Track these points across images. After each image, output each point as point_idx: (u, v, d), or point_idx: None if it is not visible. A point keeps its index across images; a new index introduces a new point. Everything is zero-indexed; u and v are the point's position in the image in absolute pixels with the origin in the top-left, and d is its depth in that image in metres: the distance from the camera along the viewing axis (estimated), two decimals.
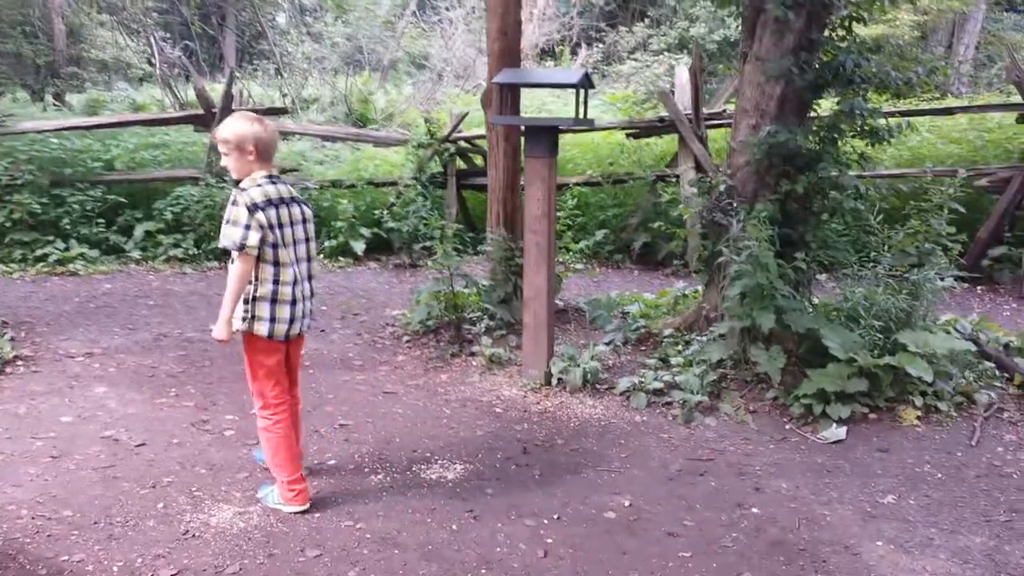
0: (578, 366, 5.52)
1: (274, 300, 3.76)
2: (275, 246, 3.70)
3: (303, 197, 10.02)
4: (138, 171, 10.23)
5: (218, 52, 24.27)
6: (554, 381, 5.55)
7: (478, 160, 10.52)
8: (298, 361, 4.14)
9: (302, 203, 3.91)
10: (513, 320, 6.51)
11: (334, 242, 9.74)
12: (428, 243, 6.97)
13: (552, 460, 4.55)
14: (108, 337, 6.72)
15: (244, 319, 3.74)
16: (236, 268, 3.65)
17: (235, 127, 3.71)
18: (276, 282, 3.75)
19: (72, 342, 6.54)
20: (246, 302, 3.73)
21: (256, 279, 3.72)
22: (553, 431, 4.94)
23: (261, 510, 3.95)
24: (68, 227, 9.36)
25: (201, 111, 10.02)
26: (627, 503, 4.08)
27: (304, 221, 3.89)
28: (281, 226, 3.71)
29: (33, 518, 3.84)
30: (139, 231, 9.60)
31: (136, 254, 9.40)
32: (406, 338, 6.66)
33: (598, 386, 5.52)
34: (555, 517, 3.93)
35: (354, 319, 7.36)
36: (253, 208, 3.60)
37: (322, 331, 6.99)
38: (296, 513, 3.94)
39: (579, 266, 8.77)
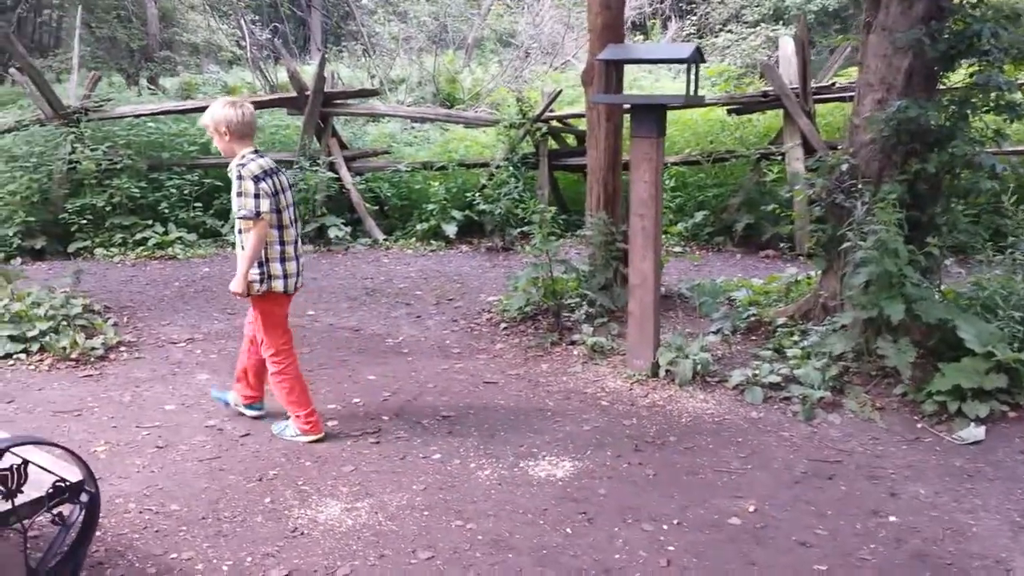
0: (687, 357, 5.26)
1: (283, 259, 4.28)
2: (279, 211, 4.21)
3: (393, 178, 10.02)
4: None
5: (306, 34, 24.53)
6: (661, 373, 5.30)
7: (570, 140, 10.27)
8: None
9: (283, 172, 4.39)
10: (614, 307, 6.28)
11: (426, 225, 9.64)
12: (525, 228, 6.77)
13: (666, 459, 4.32)
14: (208, 322, 6.75)
15: (262, 281, 4.23)
16: (254, 234, 4.08)
17: (211, 112, 4.18)
18: (282, 243, 4.27)
19: (173, 327, 6.59)
20: (260, 266, 4.20)
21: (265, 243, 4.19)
22: (664, 427, 4.70)
23: (369, 507, 3.84)
24: (166, 211, 9.50)
25: (294, 94, 10.01)
26: (751, 508, 3.83)
27: (290, 187, 4.39)
28: (278, 192, 4.20)
29: (140, 512, 3.81)
30: None
31: (232, 238, 9.45)
32: (503, 325, 6.50)
33: (708, 379, 5.25)
34: (675, 522, 3.71)
35: (449, 305, 7.23)
36: (257, 179, 4.07)
37: (418, 317, 6.88)
38: (313, 442, 4.47)
39: (678, 249, 8.49)
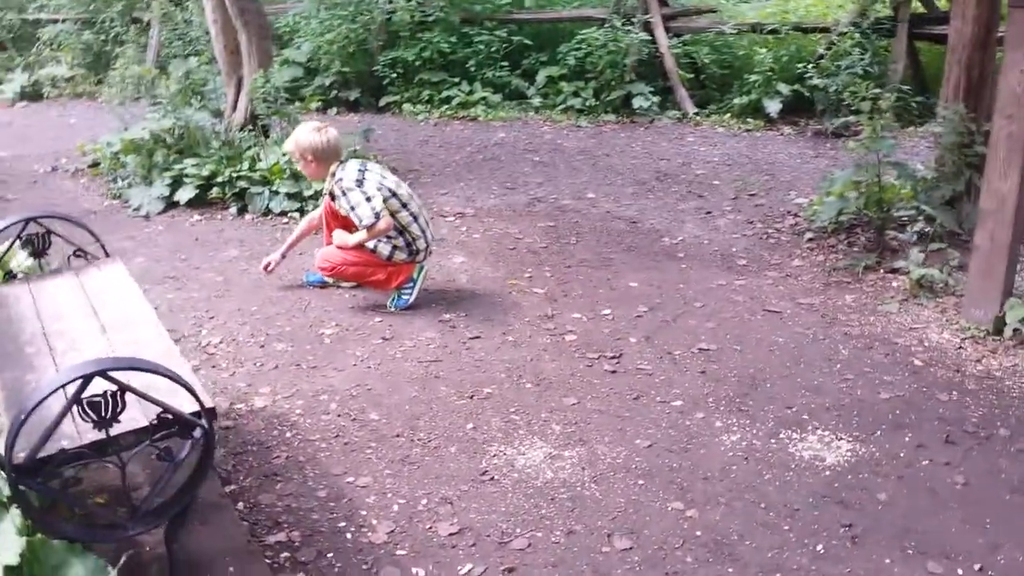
0: None
1: (423, 231, 4.51)
2: (393, 194, 4.32)
3: (715, 41, 8.84)
4: (546, 10, 9.68)
5: None
6: (1007, 331, 3.97)
7: (942, 3, 8.28)
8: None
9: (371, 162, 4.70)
10: (958, 229, 4.87)
11: (745, 99, 8.37)
12: (850, 117, 5.43)
13: (987, 462, 3.16)
14: (485, 196, 6.35)
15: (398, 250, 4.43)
16: (383, 225, 4.21)
17: (296, 139, 4.30)
18: (415, 218, 4.44)
19: (449, 198, 6.28)
20: (407, 244, 4.43)
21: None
22: (995, 412, 3.47)
23: (577, 458, 3.20)
24: (473, 69, 9.17)
25: None
26: None
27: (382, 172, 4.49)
28: (381, 185, 4.29)
29: (339, 415, 3.50)
30: (541, 76, 9.13)
31: (536, 101, 8.97)
32: (808, 235, 5.35)
33: None
34: (976, 567, 2.64)
35: (748, 201, 6.15)
36: (359, 183, 4.22)
37: (708, 213, 5.92)
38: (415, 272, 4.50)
39: None
